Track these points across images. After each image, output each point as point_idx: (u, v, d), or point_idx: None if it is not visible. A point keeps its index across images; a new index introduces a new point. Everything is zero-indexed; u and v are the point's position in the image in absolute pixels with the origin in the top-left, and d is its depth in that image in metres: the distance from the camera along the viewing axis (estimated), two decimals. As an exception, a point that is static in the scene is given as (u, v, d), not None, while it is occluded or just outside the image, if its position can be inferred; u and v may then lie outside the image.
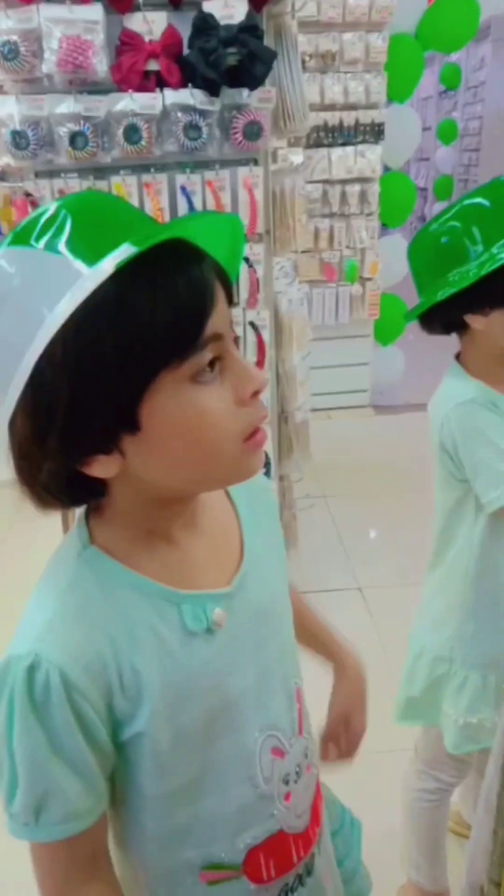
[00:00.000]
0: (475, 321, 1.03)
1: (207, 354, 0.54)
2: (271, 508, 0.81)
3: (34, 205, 1.72)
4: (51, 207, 0.55)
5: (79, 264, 0.51)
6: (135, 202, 1.73)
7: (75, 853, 0.61)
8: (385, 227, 3.89)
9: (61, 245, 0.53)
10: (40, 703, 0.55)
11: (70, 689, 0.55)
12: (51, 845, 0.59)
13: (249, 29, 1.59)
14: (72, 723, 0.56)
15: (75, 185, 1.71)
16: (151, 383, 0.52)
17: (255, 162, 1.78)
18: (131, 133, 1.66)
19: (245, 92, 1.68)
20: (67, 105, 1.64)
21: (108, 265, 0.49)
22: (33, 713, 0.55)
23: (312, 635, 0.89)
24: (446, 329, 1.09)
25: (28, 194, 1.72)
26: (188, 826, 0.65)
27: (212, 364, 0.55)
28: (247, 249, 1.81)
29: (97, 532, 0.63)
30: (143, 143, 1.67)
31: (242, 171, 1.75)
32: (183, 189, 1.74)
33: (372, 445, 3.66)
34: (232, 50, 1.59)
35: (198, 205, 1.75)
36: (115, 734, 0.60)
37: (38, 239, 0.53)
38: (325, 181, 3.63)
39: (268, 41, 1.70)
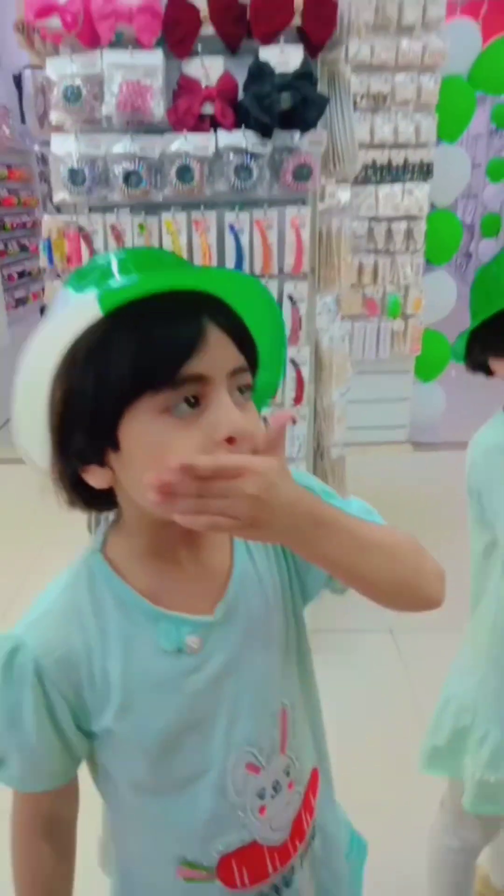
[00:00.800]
0: (496, 365, 1.01)
1: (185, 392, 0.57)
2: None
3: (86, 238, 1.78)
4: (105, 257, 0.64)
5: (73, 294, 0.61)
6: (183, 239, 1.77)
7: (33, 809, 0.72)
8: (430, 263, 3.89)
9: (86, 282, 0.61)
10: (14, 680, 0.65)
11: (40, 674, 0.64)
12: (18, 794, 0.71)
13: (304, 75, 1.63)
14: (39, 703, 0.65)
15: (126, 220, 1.76)
16: (127, 408, 0.58)
17: (304, 202, 1.81)
18: (184, 172, 1.71)
19: (297, 134, 1.71)
20: (123, 145, 1.70)
21: (85, 297, 0.58)
22: (6, 686, 0.65)
23: None
24: (482, 370, 1.08)
25: (81, 228, 1.78)
26: (159, 820, 0.71)
27: (192, 402, 0.57)
28: (291, 287, 1.84)
29: (110, 542, 0.70)
30: (194, 182, 1.71)
31: (290, 211, 1.78)
32: (231, 227, 1.77)
33: (409, 482, 3.62)
34: (285, 95, 1.63)
35: (244, 243, 1.78)
36: (87, 722, 0.68)
37: (81, 280, 0.62)
38: (372, 218, 3.65)
39: (321, 86, 1.74)
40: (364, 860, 0.92)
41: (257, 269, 1.81)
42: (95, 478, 0.63)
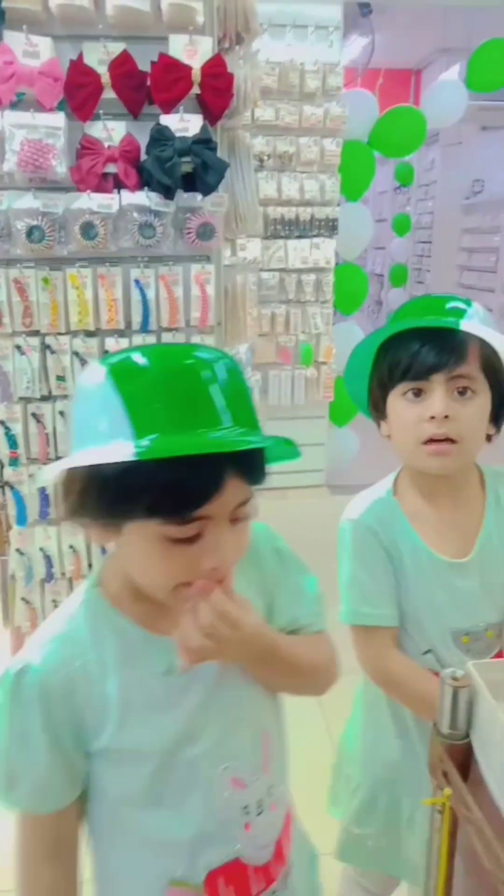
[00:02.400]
0: (384, 427, 1.05)
1: (188, 531, 0.65)
2: (271, 566, 0.85)
3: (-10, 292, 1.77)
4: (147, 370, 0.66)
5: (127, 427, 0.63)
6: (89, 293, 1.79)
7: (40, 832, 0.75)
8: (339, 313, 4.06)
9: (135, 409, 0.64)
10: (21, 702, 0.70)
11: (45, 695, 0.70)
12: (24, 816, 0.74)
13: (203, 141, 1.70)
14: (41, 722, 0.70)
15: (30, 274, 1.76)
16: (134, 520, 0.65)
17: (208, 259, 1.87)
18: (88, 229, 1.73)
19: (199, 196, 1.78)
20: (26, 201, 1.71)
21: (126, 450, 0.61)
22: (13, 706, 0.71)
23: None
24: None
25: (-16, 281, 1.77)
26: (150, 836, 0.75)
27: (193, 538, 0.65)
28: (198, 340, 1.88)
29: (105, 574, 0.77)
30: (98, 238, 1.74)
31: (195, 268, 1.83)
32: (137, 282, 1.80)
33: (327, 524, 3.67)
34: (186, 159, 1.69)
35: (150, 297, 1.82)
36: (86, 742, 0.73)
37: (124, 380, 0.66)
38: (282, 269, 3.79)
39: (221, 151, 1.82)
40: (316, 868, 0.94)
41: (164, 323, 1.84)
42: (97, 534, 0.70)
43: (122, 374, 0.65)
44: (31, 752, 0.71)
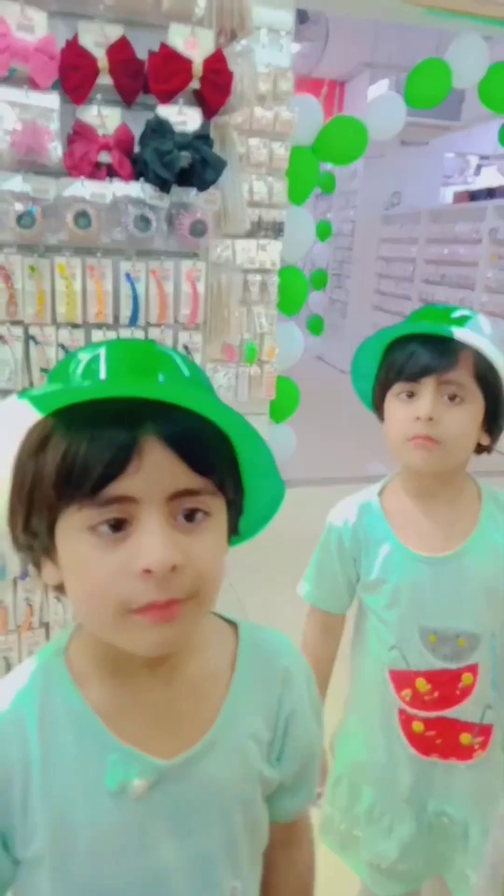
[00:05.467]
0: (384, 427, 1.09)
1: (107, 513, 0.53)
2: (282, 697, 0.69)
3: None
4: (85, 351, 0.60)
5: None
6: (77, 284, 1.72)
7: None
8: (282, 314, 4.11)
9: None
10: None
11: None
12: None
13: (202, 137, 1.68)
14: None
15: (16, 261, 1.68)
16: (58, 516, 0.55)
17: (197, 255, 1.85)
18: (80, 218, 1.67)
19: (192, 192, 1.75)
20: (15, 183, 1.63)
21: (14, 401, 0.54)
22: None
23: None
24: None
25: (-38, 266, 1.66)
26: None
27: (116, 524, 0.53)
28: (186, 338, 1.85)
29: (73, 643, 0.64)
30: (91, 228, 1.68)
31: (186, 264, 1.80)
32: (128, 276, 1.76)
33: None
34: (185, 154, 1.67)
35: (140, 291, 1.78)
36: (12, 847, 0.59)
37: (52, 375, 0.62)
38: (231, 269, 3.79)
39: (215, 148, 1.80)
40: None
41: (153, 319, 1.80)
42: (48, 573, 0.60)
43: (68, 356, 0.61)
44: None
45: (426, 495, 1.08)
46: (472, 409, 1.00)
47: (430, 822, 1.13)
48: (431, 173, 8.08)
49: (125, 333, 1.79)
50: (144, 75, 1.69)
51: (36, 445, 0.55)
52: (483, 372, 0.99)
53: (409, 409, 1.00)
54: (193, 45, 1.68)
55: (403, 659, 1.08)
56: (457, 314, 1.02)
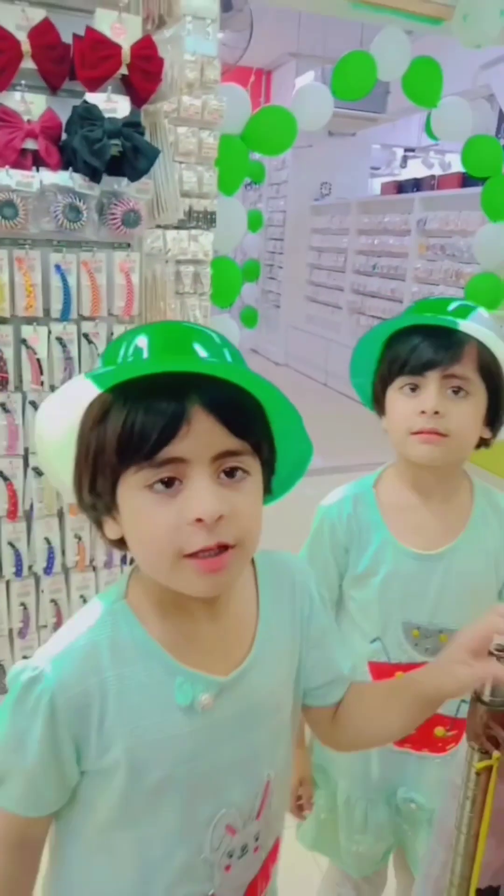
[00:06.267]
0: (384, 422, 1.08)
1: (162, 473, 0.61)
2: (300, 602, 0.82)
3: None
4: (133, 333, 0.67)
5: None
6: (5, 276, 1.66)
7: (11, 825, 0.71)
8: (215, 306, 4.09)
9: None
10: (27, 710, 0.66)
11: (53, 709, 0.66)
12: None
13: (133, 125, 1.65)
14: (45, 737, 0.66)
15: None
16: (119, 478, 0.63)
17: (129, 246, 1.81)
18: (5, 207, 1.61)
19: (123, 181, 1.71)
20: None
21: (78, 379, 0.65)
22: (19, 713, 0.67)
23: (391, 695, 0.85)
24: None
25: None
26: (129, 861, 0.72)
27: (168, 482, 0.61)
28: (120, 330, 1.82)
29: (132, 587, 0.72)
30: (18, 218, 1.62)
31: (119, 255, 1.77)
32: (58, 267, 1.71)
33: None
34: (115, 142, 1.63)
35: (72, 283, 1.73)
36: (86, 760, 0.69)
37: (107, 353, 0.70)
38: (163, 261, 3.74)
39: (145, 137, 1.77)
40: None
41: (85, 311, 1.76)
42: (109, 528, 0.68)
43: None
44: (26, 759, 0.67)
45: (423, 489, 1.07)
46: (476, 403, 0.99)
47: (398, 805, 1.15)
48: (359, 164, 8.18)
49: (57, 328, 1.74)
50: (70, 60, 1.64)
51: (97, 417, 0.63)
52: (486, 365, 0.98)
53: (414, 403, 0.99)
54: (120, 31, 1.64)
55: (384, 651, 1.08)
56: (453, 306, 1.01)
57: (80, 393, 0.64)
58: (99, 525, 0.69)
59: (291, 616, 0.81)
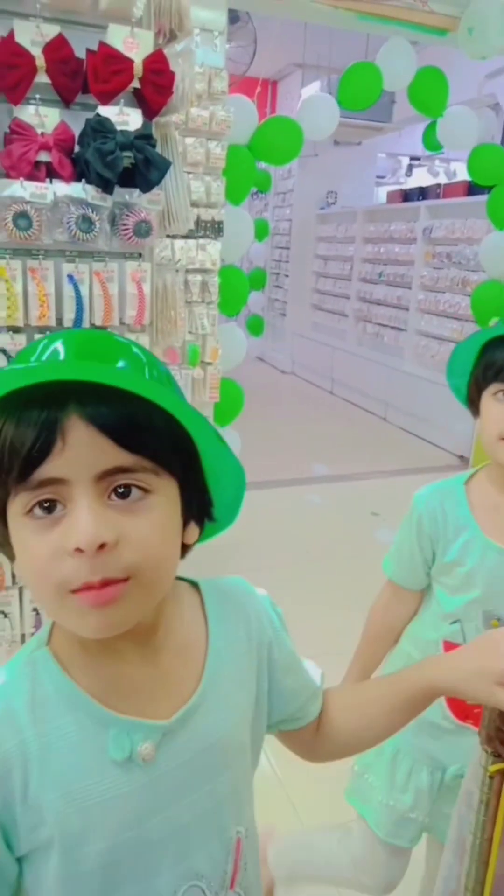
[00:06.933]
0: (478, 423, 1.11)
1: (39, 495, 0.53)
2: (258, 631, 0.73)
3: None
4: (42, 341, 0.59)
5: None
6: (18, 286, 1.69)
7: None
8: (223, 315, 4.12)
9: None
10: None
11: None
12: None
13: (145, 137, 1.67)
14: None
15: (-47, 264, 1.63)
16: (6, 504, 0.55)
17: (141, 256, 1.84)
18: (19, 219, 1.63)
19: (135, 192, 1.74)
20: (-50, 184, 1.58)
21: None
22: None
23: (387, 702, 0.78)
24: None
25: None
26: None
27: (50, 506, 0.54)
28: (133, 339, 1.83)
29: (55, 631, 0.64)
30: (32, 230, 1.64)
31: (130, 265, 1.79)
32: (70, 277, 1.73)
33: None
34: (127, 154, 1.65)
35: (84, 293, 1.75)
36: (15, 843, 0.59)
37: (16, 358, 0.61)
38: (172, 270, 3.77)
39: (156, 148, 1.79)
40: None
41: (98, 320, 1.78)
42: (17, 563, 0.59)
43: None
44: None
45: None
46: None
47: (444, 782, 1.19)
48: (365, 173, 8.23)
49: (70, 336, 1.76)
50: (83, 75, 1.67)
51: None
52: None
53: None
54: (133, 45, 1.67)
55: (462, 634, 1.13)
56: None
57: None
58: (11, 558, 0.60)
59: (247, 644, 0.71)
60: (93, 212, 1.69)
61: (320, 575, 3.35)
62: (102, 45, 1.63)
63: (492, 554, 1.11)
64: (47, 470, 0.52)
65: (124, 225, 1.74)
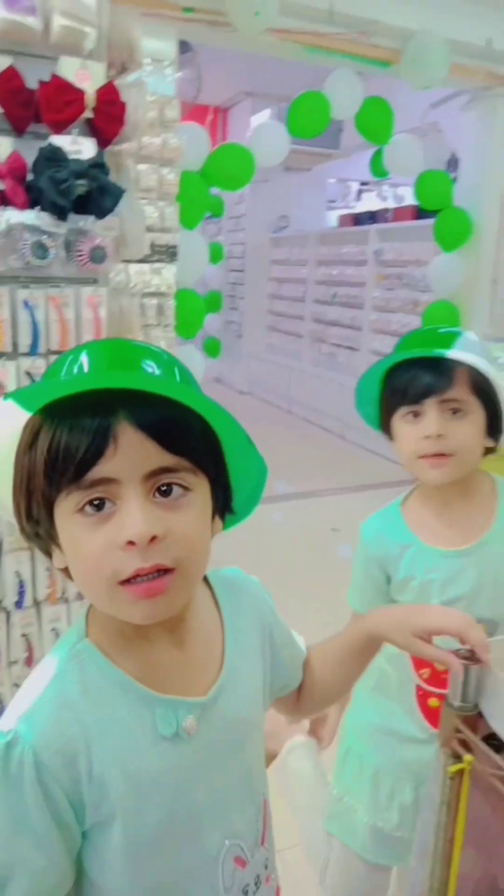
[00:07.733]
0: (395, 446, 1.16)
1: (91, 494, 0.59)
2: (260, 613, 0.82)
3: None
4: (70, 352, 0.65)
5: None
6: (-27, 312, 1.68)
7: None
8: (180, 338, 4.15)
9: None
10: (13, 778, 0.60)
11: (41, 768, 0.60)
12: None
13: (98, 165, 1.70)
14: (41, 800, 0.60)
15: None
16: (54, 503, 0.61)
17: (96, 281, 1.85)
18: (-27, 246, 1.64)
19: (90, 218, 1.76)
20: None
21: (3, 403, 0.61)
22: (5, 786, 0.60)
23: (339, 652, 0.88)
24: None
25: None
26: None
27: (100, 504, 0.59)
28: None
29: (92, 625, 0.69)
30: (-14, 256, 1.65)
31: (87, 290, 1.81)
32: (26, 303, 1.74)
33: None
34: (81, 182, 1.68)
35: (40, 318, 1.76)
36: (82, 819, 0.64)
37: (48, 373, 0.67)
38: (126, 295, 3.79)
39: (110, 176, 1.82)
40: None
41: (54, 346, 1.79)
42: (56, 558, 0.65)
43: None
44: (30, 837, 0.60)
45: (443, 499, 1.17)
46: (474, 420, 1.08)
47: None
48: (316, 198, 8.42)
49: (26, 363, 1.76)
50: (35, 105, 1.69)
51: (29, 441, 0.61)
52: (479, 384, 1.07)
53: (417, 429, 1.08)
54: (85, 76, 1.70)
55: None
56: (443, 331, 1.11)
57: (11, 416, 0.61)
58: (49, 555, 0.66)
59: (254, 627, 0.80)
60: (48, 238, 1.70)
61: (283, 590, 3.38)
62: (55, 76, 1.66)
63: (437, 560, 1.15)
64: (100, 471, 0.58)
65: (79, 251, 1.76)
